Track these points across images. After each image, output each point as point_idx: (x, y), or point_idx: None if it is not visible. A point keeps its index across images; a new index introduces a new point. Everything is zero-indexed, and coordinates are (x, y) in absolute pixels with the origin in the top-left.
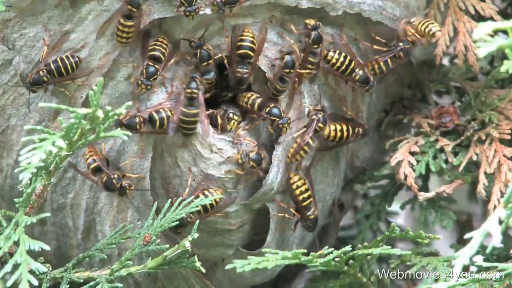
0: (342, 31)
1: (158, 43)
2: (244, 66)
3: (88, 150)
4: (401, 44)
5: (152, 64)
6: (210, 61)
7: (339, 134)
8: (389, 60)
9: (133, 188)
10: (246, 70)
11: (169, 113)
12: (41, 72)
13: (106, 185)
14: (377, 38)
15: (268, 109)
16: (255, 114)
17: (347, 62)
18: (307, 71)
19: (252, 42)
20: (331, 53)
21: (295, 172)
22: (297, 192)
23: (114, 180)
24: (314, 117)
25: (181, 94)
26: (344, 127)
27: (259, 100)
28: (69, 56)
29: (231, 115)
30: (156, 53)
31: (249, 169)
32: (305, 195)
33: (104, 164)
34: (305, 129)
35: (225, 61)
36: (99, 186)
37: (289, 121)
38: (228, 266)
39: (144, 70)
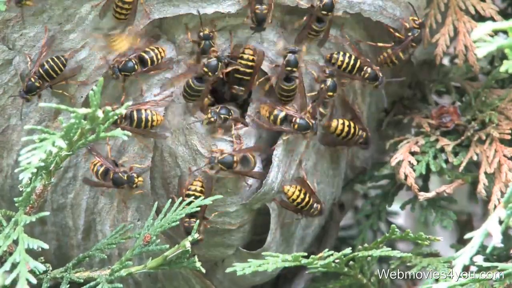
0: (342, 31)
1: (156, 50)
2: (241, 84)
3: (92, 162)
4: (409, 34)
5: (134, 61)
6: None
7: (346, 129)
8: (400, 53)
9: (141, 179)
10: (242, 89)
11: (149, 116)
12: (32, 79)
13: (115, 181)
14: (391, 30)
15: (296, 126)
16: (280, 130)
17: (352, 62)
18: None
19: (250, 66)
20: (335, 55)
21: (289, 184)
22: (295, 204)
23: (120, 174)
24: (322, 85)
25: (196, 66)
26: (352, 124)
27: (281, 114)
28: (54, 57)
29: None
30: (146, 56)
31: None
32: (303, 203)
33: (111, 164)
34: (315, 100)
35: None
36: (111, 187)
37: (318, 122)
38: (228, 270)
39: (123, 62)
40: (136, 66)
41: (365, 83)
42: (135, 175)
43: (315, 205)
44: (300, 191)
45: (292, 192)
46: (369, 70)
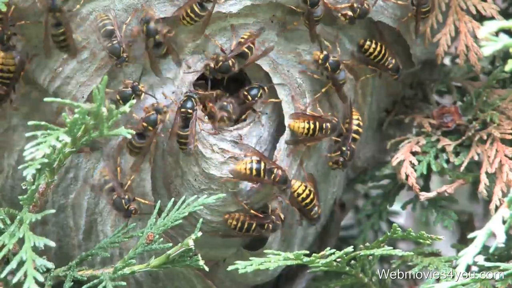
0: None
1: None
2: (238, 61)
3: (100, 171)
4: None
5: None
6: None
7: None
8: None
9: (138, 213)
10: (236, 64)
11: None
12: None
13: (115, 203)
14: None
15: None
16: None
17: (383, 51)
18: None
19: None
20: (368, 42)
21: (296, 179)
22: (299, 199)
23: (123, 201)
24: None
25: (176, 114)
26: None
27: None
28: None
29: (223, 115)
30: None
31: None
32: (307, 200)
33: (118, 185)
34: None
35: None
36: (108, 203)
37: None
38: (230, 267)
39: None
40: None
41: (386, 74)
42: (133, 209)
43: (316, 208)
44: (306, 187)
45: (297, 186)
46: (393, 61)
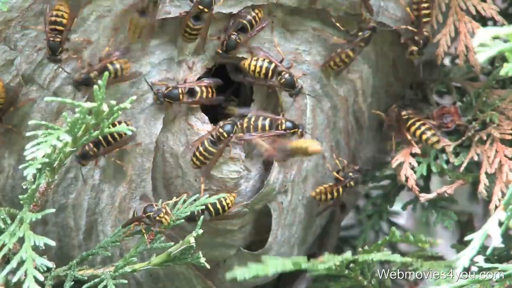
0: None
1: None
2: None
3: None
4: (360, 34)
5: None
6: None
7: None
8: (350, 52)
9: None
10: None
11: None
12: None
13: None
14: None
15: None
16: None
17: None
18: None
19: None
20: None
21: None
22: (328, 202)
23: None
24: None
25: (212, 130)
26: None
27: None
28: None
29: None
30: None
31: None
32: (334, 197)
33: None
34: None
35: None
36: None
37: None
38: (228, 276)
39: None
40: None
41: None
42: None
43: (347, 184)
44: (326, 188)
45: (319, 197)
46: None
